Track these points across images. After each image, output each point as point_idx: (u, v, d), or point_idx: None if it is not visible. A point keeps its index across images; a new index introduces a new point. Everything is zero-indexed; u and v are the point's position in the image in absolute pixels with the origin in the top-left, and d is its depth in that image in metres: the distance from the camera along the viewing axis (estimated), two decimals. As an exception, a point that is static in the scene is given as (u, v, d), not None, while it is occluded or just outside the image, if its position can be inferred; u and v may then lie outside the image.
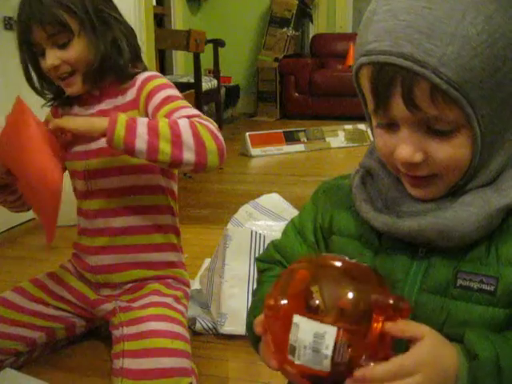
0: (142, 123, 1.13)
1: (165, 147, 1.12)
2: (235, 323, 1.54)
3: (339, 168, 3.90)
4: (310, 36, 6.60)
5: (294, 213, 2.12)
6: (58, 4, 1.18)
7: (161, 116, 1.22)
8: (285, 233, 0.93)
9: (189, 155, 1.13)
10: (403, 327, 0.64)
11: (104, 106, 1.34)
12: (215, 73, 5.10)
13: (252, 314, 0.85)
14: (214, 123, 1.20)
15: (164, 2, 5.60)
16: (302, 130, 4.51)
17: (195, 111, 1.23)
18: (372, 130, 0.75)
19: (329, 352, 0.62)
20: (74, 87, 1.29)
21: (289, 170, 3.84)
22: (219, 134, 1.17)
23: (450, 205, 0.70)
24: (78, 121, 1.15)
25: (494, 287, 0.68)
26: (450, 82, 0.60)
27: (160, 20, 5.52)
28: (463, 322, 0.69)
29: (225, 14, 6.52)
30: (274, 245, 0.93)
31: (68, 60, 1.23)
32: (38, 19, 1.19)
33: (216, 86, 4.97)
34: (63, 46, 1.22)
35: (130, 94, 1.31)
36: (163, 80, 1.31)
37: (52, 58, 1.22)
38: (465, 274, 0.70)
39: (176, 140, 1.12)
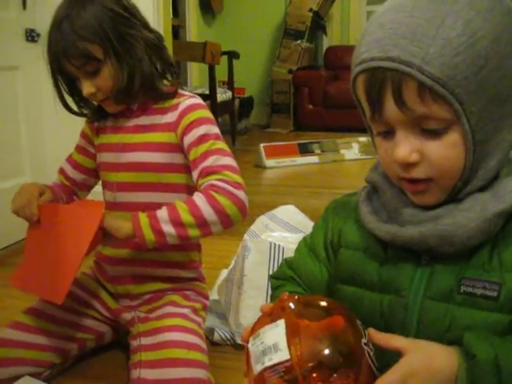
0: (165, 221, 1.19)
1: (193, 233, 1.20)
2: (253, 334, 1.55)
3: (353, 180, 3.89)
4: (324, 48, 6.62)
5: (310, 225, 2.14)
6: (80, 37, 1.20)
7: (194, 154, 1.28)
8: (298, 250, 0.97)
9: (216, 228, 1.21)
10: (387, 338, 0.68)
11: (141, 121, 1.37)
12: (229, 84, 5.13)
13: None
14: (236, 176, 1.23)
15: (179, 14, 5.64)
16: (316, 142, 4.52)
17: (223, 160, 1.26)
18: (374, 142, 0.79)
19: (265, 364, 0.66)
20: (111, 108, 1.34)
21: (303, 182, 3.85)
22: (238, 192, 1.21)
23: (449, 211, 0.73)
24: (111, 218, 1.24)
25: (497, 293, 0.70)
26: (434, 79, 0.65)
27: (175, 32, 5.57)
28: (467, 328, 0.71)
29: (239, 25, 6.56)
30: (287, 262, 0.97)
31: (101, 86, 1.27)
32: (64, 54, 1.22)
33: (230, 97, 5.00)
34: (95, 74, 1.25)
35: (171, 117, 1.33)
36: (205, 112, 1.33)
37: (87, 87, 1.26)
38: (468, 281, 0.72)
39: (200, 223, 1.19)
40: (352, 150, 4.56)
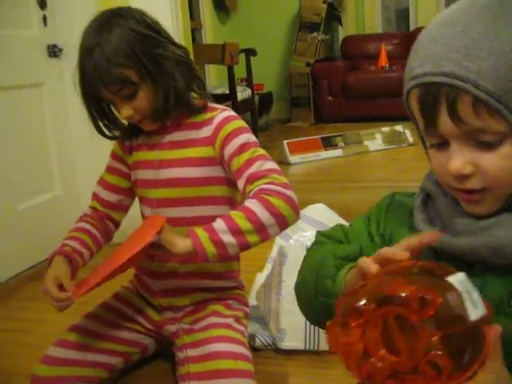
0: (224, 231, 1.18)
1: (253, 239, 1.20)
2: (294, 338, 1.57)
3: (379, 172, 3.89)
4: (340, 39, 6.60)
5: (341, 222, 2.14)
6: (114, 63, 1.21)
7: (237, 163, 1.28)
8: (355, 224, 0.95)
9: (273, 230, 1.21)
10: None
11: (175, 137, 1.38)
12: (248, 81, 5.14)
13: (323, 271, 0.85)
14: (282, 178, 1.25)
15: (194, 16, 5.65)
16: (339, 135, 4.51)
17: (268, 164, 1.27)
18: (427, 153, 0.79)
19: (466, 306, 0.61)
20: (148, 126, 1.35)
21: (329, 176, 3.85)
22: (289, 192, 1.22)
23: (502, 222, 0.72)
24: (168, 232, 1.21)
25: None
26: (489, 93, 0.65)
27: (192, 35, 5.57)
28: None
29: (254, 22, 6.56)
30: (343, 228, 0.96)
31: (138, 108, 1.28)
32: (101, 82, 1.23)
33: (250, 95, 5.01)
34: (132, 97, 1.26)
35: (206, 131, 1.35)
36: (240, 123, 1.35)
37: (125, 110, 1.28)
38: None
39: (259, 227, 1.19)
40: (375, 140, 4.53)
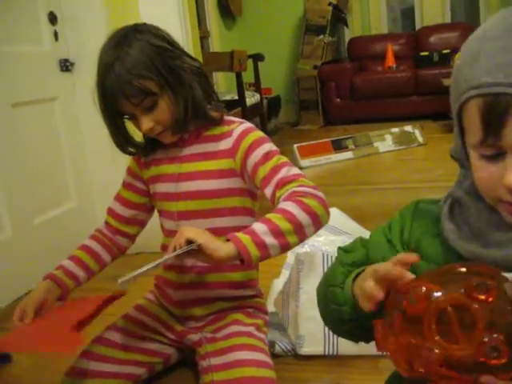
0: (265, 233, 1.17)
1: (293, 240, 1.19)
2: (313, 344, 1.58)
3: (391, 173, 3.89)
4: (347, 40, 6.62)
5: (355, 226, 2.15)
6: (135, 75, 1.23)
7: (263, 172, 1.30)
8: (374, 235, 0.94)
9: (309, 230, 1.21)
10: None
11: (194, 150, 1.40)
12: (256, 86, 5.16)
13: (332, 279, 0.86)
14: (310, 182, 1.27)
15: (201, 24, 5.68)
16: (349, 137, 4.52)
17: (294, 170, 1.31)
18: (464, 162, 0.78)
19: None
20: (167, 139, 1.37)
21: (340, 179, 3.86)
22: (320, 193, 1.24)
23: None
24: (209, 237, 1.17)
25: None
26: None
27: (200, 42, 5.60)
28: None
29: (260, 26, 6.59)
30: (362, 241, 0.95)
31: (159, 120, 1.30)
32: (122, 94, 1.24)
33: (259, 100, 5.04)
34: (152, 108, 1.28)
35: (225, 144, 1.37)
36: (259, 133, 1.37)
37: (146, 122, 1.29)
38: None
39: (298, 228, 1.19)
40: (385, 141, 4.54)
